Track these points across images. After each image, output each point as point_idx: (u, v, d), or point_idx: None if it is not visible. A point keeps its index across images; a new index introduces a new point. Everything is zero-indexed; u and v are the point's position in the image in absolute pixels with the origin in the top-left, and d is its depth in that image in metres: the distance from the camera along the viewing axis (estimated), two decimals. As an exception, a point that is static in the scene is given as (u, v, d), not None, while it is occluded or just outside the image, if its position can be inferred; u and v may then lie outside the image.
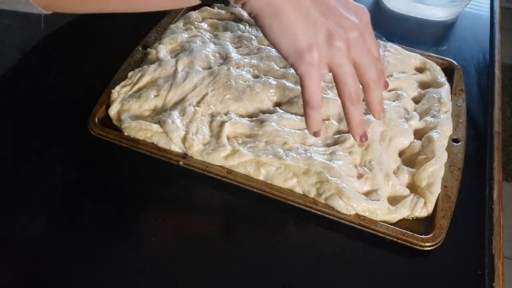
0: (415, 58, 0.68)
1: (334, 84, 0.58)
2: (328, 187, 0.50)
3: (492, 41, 0.77)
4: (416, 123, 0.59)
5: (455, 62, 0.68)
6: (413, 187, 0.53)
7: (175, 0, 0.44)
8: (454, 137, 0.58)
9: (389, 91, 0.63)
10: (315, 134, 0.49)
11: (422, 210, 0.51)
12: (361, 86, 0.47)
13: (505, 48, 0.85)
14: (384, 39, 0.71)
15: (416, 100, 0.63)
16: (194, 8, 0.74)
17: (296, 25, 0.42)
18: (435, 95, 0.61)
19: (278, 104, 0.60)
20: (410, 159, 0.56)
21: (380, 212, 0.50)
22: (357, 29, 0.44)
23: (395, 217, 0.50)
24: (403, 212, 0.50)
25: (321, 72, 0.44)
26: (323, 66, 0.44)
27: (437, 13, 0.80)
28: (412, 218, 0.51)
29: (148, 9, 0.44)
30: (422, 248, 0.48)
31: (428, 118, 0.59)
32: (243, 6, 0.43)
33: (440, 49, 0.76)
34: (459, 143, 0.57)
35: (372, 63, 0.46)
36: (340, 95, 0.47)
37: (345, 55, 0.44)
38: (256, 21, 0.44)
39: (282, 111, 0.58)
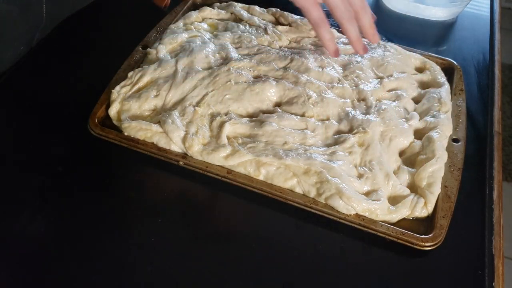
0: (415, 58, 0.68)
1: (333, 84, 0.59)
2: (328, 187, 0.50)
3: (492, 41, 0.77)
4: (416, 123, 0.59)
5: (455, 62, 0.68)
6: (413, 187, 0.53)
7: None
8: (454, 137, 0.58)
9: (389, 91, 0.63)
10: (335, 53, 0.55)
11: (422, 210, 0.51)
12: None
13: (505, 48, 0.85)
14: (384, 39, 0.71)
15: (416, 100, 0.63)
16: (194, 8, 0.74)
17: None
18: (435, 95, 0.61)
19: (278, 104, 0.60)
20: (410, 159, 0.56)
21: (380, 212, 0.50)
22: None
23: (395, 217, 0.50)
24: (403, 212, 0.50)
25: None
26: None
27: (437, 13, 0.80)
28: (412, 218, 0.51)
29: None
30: (422, 248, 0.48)
31: (428, 118, 0.59)
32: None
33: (440, 49, 0.76)
34: (459, 143, 0.57)
35: (363, 7, 0.54)
36: (336, 17, 0.54)
37: None
38: None
39: (282, 111, 0.58)
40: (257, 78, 0.61)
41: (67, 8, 0.55)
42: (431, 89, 0.63)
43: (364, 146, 0.55)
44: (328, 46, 0.54)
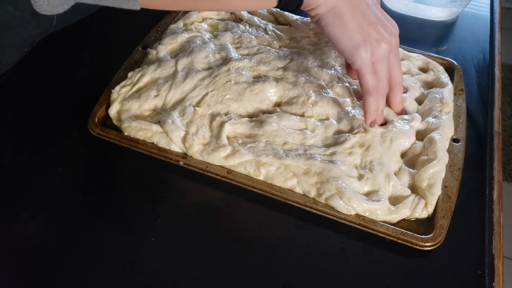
0: (416, 59, 0.68)
1: (333, 83, 0.59)
2: (329, 187, 0.50)
3: (492, 41, 0.77)
4: (418, 125, 0.58)
5: (455, 62, 0.68)
6: (414, 188, 0.53)
7: (255, 2, 0.50)
8: (454, 137, 0.58)
9: None
10: (371, 124, 0.56)
11: (423, 212, 0.50)
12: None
13: (505, 48, 0.85)
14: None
15: (419, 101, 0.63)
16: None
17: (353, 25, 0.51)
18: (437, 95, 0.61)
19: (278, 104, 0.60)
20: (411, 160, 0.56)
21: (380, 212, 0.50)
22: (396, 37, 0.54)
23: (395, 217, 0.50)
24: (403, 212, 0.50)
25: (371, 64, 0.53)
26: (372, 62, 0.53)
27: (437, 13, 0.80)
28: (412, 218, 0.51)
29: (230, 10, 0.53)
30: (422, 248, 0.48)
31: (430, 119, 0.59)
32: (313, 9, 0.51)
33: (440, 49, 0.76)
34: (459, 143, 0.57)
35: (399, 68, 0.56)
36: (366, 88, 0.54)
37: (386, 55, 0.53)
38: (319, 21, 0.52)
39: (282, 111, 0.58)
40: (257, 78, 0.61)
41: (78, 15, 0.55)
42: (433, 89, 0.63)
43: (364, 147, 0.55)
44: (369, 116, 0.55)
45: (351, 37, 0.51)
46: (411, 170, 0.54)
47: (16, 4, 0.45)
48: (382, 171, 0.53)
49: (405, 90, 0.61)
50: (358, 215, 0.50)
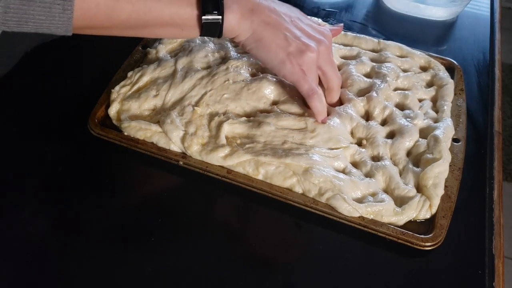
0: (419, 57, 0.68)
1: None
2: (331, 188, 0.50)
3: (492, 41, 0.77)
4: (421, 123, 0.58)
5: (455, 62, 0.68)
6: (419, 187, 0.53)
7: (177, 32, 0.52)
8: (454, 137, 0.58)
9: (395, 89, 0.63)
10: (323, 121, 0.57)
11: (427, 213, 0.50)
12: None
13: (505, 48, 0.85)
14: (384, 38, 0.71)
15: (423, 99, 0.63)
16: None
17: (275, 45, 0.54)
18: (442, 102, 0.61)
19: (275, 103, 0.59)
20: (416, 158, 0.55)
21: (385, 213, 0.49)
22: (324, 43, 0.57)
23: (402, 218, 0.50)
24: (410, 213, 0.50)
25: (301, 72, 0.55)
26: (301, 70, 0.56)
27: (437, 12, 0.80)
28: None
29: (155, 37, 0.57)
30: (422, 248, 0.48)
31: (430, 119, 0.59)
32: (235, 38, 0.54)
33: (440, 49, 0.76)
34: (459, 143, 0.57)
35: (335, 72, 0.59)
36: (303, 91, 0.57)
37: (314, 63, 0.56)
38: (244, 47, 0.55)
39: (280, 110, 0.58)
40: (255, 77, 0.61)
41: None
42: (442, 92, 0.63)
43: (368, 148, 0.55)
44: (319, 117, 0.57)
45: (275, 56, 0.54)
46: (416, 169, 0.54)
47: None
48: (386, 170, 0.53)
49: (341, 100, 0.62)
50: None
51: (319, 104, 0.56)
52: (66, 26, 0.45)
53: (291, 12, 0.58)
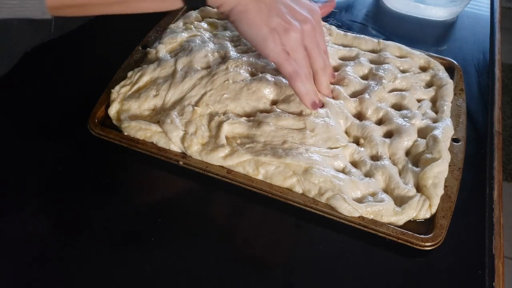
0: (418, 57, 0.68)
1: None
2: (331, 187, 0.50)
3: (492, 41, 0.77)
4: (419, 122, 0.58)
5: (455, 62, 0.68)
6: (418, 187, 0.53)
7: (162, 2, 0.50)
8: (454, 137, 0.58)
9: (392, 91, 0.63)
10: (312, 106, 0.56)
11: (427, 212, 0.50)
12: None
13: (505, 48, 0.85)
14: (384, 38, 0.71)
15: (421, 99, 0.63)
16: (194, 7, 0.74)
17: (258, 19, 0.52)
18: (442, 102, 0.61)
19: (275, 103, 0.59)
20: (415, 158, 0.55)
21: (385, 212, 0.49)
22: (310, 22, 0.54)
23: (402, 218, 0.50)
24: (409, 213, 0.50)
25: (285, 53, 0.53)
26: (284, 51, 0.54)
27: (437, 12, 0.80)
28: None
29: (139, 12, 0.52)
30: (422, 248, 0.48)
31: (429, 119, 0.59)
32: (219, 7, 0.52)
33: (440, 49, 0.76)
34: (459, 143, 0.57)
35: (320, 53, 0.57)
36: (285, 72, 0.55)
37: (299, 42, 0.54)
38: (228, 18, 0.53)
39: (280, 110, 0.58)
40: (254, 76, 0.61)
41: (77, 23, 0.56)
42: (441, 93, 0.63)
43: (366, 147, 0.55)
44: (304, 99, 0.55)
45: (258, 31, 0.52)
46: (415, 168, 0.54)
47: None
48: (386, 170, 0.53)
49: (333, 77, 0.62)
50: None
51: (301, 86, 0.54)
52: (40, 8, 0.43)
53: None
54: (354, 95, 0.62)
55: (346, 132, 0.58)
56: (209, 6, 0.53)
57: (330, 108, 0.58)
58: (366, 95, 0.60)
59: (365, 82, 0.63)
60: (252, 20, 0.52)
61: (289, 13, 0.54)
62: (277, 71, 0.62)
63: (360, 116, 0.60)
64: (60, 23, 0.52)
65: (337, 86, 0.62)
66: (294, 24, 0.53)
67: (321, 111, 0.57)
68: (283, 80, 0.60)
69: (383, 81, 0.62)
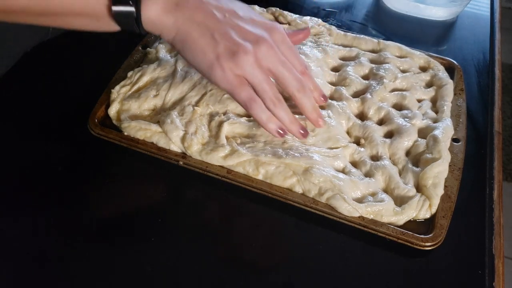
0: (418, 57, 0.68)
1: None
2: (331, 187, 0.50)
3: (492, 41, 0.77)
4: (419, 122, 0.58)
5: (455, 62, 0.68)
6: (418, 187, 0.53)
7: (93, 24, 0.48)
8: (454, 137, 0.58)
9: (392, 91, 0.63)
10: (278, 134, 0.51)
11: (427, 212, 0.50)
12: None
13: (505, 48, 0.85)
14: (384, 38, 0.71)
15: (421, 100, 0.63)
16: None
17: (202, 46, 0.47)
18: (443, 102, 0.61)
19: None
20: (415, 158, 0.55)
21: (385, 213, 0.49)
22: (264, 42, 0.48)
23: (402, 218, 0.49)
24: (409, 213, 0.50)
25: (236, 78, 0.48)
26: (237, 77, 0.48)
27: (437, 12, 0.80)
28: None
29: (67, 27, 0.49)
30: (422, 248, 0.48)
31: (429, 120, 0.59)
32: (160, 36, 0.49)
33: (440, 49, 0.76)
34: (459, 143, 0.57)
35: (291, 73, 0.50)
36: (287, 90, 0.51)
37: (255, 66, 0.48)
38: (173, 47, 0.49)
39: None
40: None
41: None
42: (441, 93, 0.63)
43: (367, 147, 0.55)
44: (266, 127, 0.50)
45: (203, 59, 0.48)
46: (415, 168, 0.54)
47: None
48: (385, 170, 0.53)
49: (325, 100, 0.56)
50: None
51: (260, 113, 0.49)
52: None
53: (228, 5, 0.50)
54: (355, 95, 0.62)
55: (348, 132, 0.58)
56: (151, 33, 0.49)
57: (332, 109, 0.58)
58: (368, 95, 0.60)
59: (366, 82, 0.63)
60: (195, 48, 0.47)
61: (238, 35, 0.48)
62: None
63: (362, 116, 0.60)
64: None
65: (339, 87, 0.62)
66: (243, 45, 0.47)
67: (323, 112, 0.57)
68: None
69: (384, 80, 0.62)
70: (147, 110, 0.58)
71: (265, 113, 0.50)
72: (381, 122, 0.59)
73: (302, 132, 0.52)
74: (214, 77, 0.48)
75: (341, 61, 0.67)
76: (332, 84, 0.63)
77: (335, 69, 0.66)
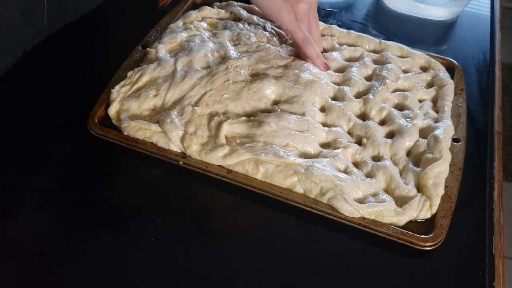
0: (419, 57, 0.68)
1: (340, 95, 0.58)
2: (332, 187, 0.50)
3: (492, 41, 0.77)
4: (421, 122, 0.58)
5: (455, 62, 0.68)
6: (419, 187, 0.53)
7: None
8: (454, 137, 0.58)
9: (394, 91, 0.63)
10: (325, 67, 0.63)
11: (427, 213, 0.50)
12: None
13: (505, 47, 0.85)
14: (384, 38, 0.71)
15: (422, 99, 0.63)
16: (194, 7, 0.74)
17: None
18: (443, 102, 0.61)
19: (276, 103, 0.59)
20: (416, 158, 0.55)
21: (386, 213, 0.49)
22: (307, 2, 0.63)
23: (403, 219, 0.49)
24: (410, 213, 0.50)
25: (297, 21, 0.61)
26: (296, 20, 0.61)
27: (438, 12, 0.80)
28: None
29: None
30: (422, 248, 0.48)
31: (430, 119, 0.59)
32: None
33: (441, 49, 0.76)
34: (459, 143, 0.57)
35: (317, 26, 0.66)
36: (297, 41, 0.63)
37: (306, 14, 0.63)
38: None
39: (281, 110, 0.57)
40: (255, 77, 0.61)
41: (69, 16, 0.56)
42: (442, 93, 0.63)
43: (368, 147, 0.55)
44: (317, 62, 0.63)
45: (273, 3, 0.60)
46: (416, 168, 0.54)
47: (4, 4, 0.45)
48: (387, 170, 0.53)
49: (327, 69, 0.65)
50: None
51: (312, 50, 0.62)
52: None
53: None
54: (358, 95, 0.62)
55: (349, 133, 0.58)
56: None
57: (332, 112, 0.58)
58: (371, 96, 0.60)
59: (369, 83, 0.63)
60: None
61: None
62: (280, 69, 0.62)
63: (364, 116, 0.60)
64: (53, 15, 0.52)
65: (342, 87, 0.62)
66: None
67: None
68: (285, 81, 0.60)
69: (387, 81, 0.62)
70: (147, 110, 0.58)
71: (316, 50, 0.63)
72: (382, 123, 0.59)
73: (325, 67, 0.64)
74: (282, 19, 0.61)
75: (346, 62, 0.67)
76: (336, 84, 0.63)
77: (340, 70, 0.66)
